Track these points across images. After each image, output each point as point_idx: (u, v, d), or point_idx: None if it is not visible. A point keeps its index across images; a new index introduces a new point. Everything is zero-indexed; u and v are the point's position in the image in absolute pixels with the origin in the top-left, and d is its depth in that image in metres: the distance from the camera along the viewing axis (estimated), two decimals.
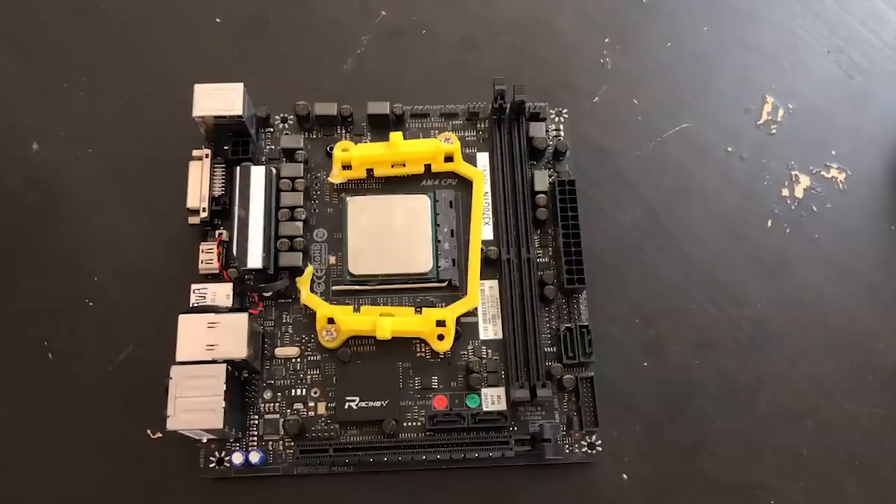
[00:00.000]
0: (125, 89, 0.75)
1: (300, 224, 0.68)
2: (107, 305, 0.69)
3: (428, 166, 0.71)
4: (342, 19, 0.79)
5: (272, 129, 0.73)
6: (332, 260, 0.69)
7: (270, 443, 0.65)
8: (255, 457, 0.63)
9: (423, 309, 0.67)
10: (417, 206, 0.69)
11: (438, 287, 0.69)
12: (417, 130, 0.73)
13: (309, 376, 0.66)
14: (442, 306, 0.68)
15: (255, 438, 0.65)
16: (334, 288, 0.68)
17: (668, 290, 0.71)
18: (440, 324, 0.65)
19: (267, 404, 0.65)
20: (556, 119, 0.74)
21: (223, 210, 0.68)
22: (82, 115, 0.74)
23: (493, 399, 0.66)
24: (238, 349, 0.61)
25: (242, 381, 0.65)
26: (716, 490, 0.66)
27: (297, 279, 0.67)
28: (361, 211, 0.69)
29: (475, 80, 0.74)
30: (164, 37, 0.77)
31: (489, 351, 0.67)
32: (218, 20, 0.78)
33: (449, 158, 0.70)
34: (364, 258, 0.68)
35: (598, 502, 0.65)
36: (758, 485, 0.66)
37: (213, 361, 0.61)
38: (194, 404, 0.59)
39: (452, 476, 0.65)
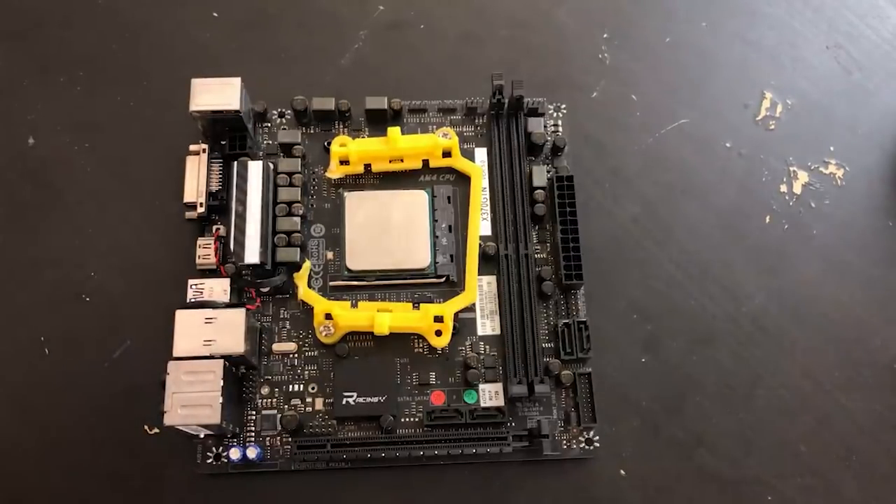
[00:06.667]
0: (122, 84, 0.75)
1: (298, 219, 0.67)
2: (103, 301, 0.68)
3: (426, 161, 0.71)
4: (340, 14, 0.78)
5: (269, 124, 0.72)
6: (330, 255, 0.69)
7: (268, 438, 0.65)
8: (252, 452, 0.63)
9: (421, 304, 0.67)
10: (415, 202, 0.69)
11: (436, 283, 0.68)
12: (415, 125, 0.73)
13: (306, 372, 0.66)
14: (440, 302, 0.68)
15: (253, 434, 0.65)
16: (332, 283, 0.68)
17: (666, 285, 0.71)
18: (438, 319, 0.65)
19: (264, 400, 0.65)
20: (555, 114, 0.74)
21: (220, 205, 0.68)
22: (79, 110, 0.74)
23: (490, 395, 0.66)
24: (235, 344, 0.61)
25: (240, 377, 0.65)
26: (713, 485, 0.66)
27: (295, 274, 0.67)
28: (359, 206, 0.69)
29: (473, 75, 0.74)
30: (161, 31, 0.77)
31: (487, 347, 0.67)
32: (215, 14, 0.78)
33: (447, 154, 0.70)
34: (362, 253, 0.68)
35: (595, 498, 0.65)
36: (755, 480, 0.66)
37: (211, 357, 0.61)
38: (191, 400, 0.59)
39: (450, 472, 0.65)
